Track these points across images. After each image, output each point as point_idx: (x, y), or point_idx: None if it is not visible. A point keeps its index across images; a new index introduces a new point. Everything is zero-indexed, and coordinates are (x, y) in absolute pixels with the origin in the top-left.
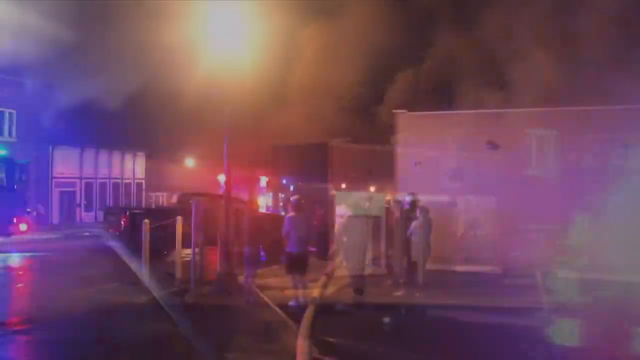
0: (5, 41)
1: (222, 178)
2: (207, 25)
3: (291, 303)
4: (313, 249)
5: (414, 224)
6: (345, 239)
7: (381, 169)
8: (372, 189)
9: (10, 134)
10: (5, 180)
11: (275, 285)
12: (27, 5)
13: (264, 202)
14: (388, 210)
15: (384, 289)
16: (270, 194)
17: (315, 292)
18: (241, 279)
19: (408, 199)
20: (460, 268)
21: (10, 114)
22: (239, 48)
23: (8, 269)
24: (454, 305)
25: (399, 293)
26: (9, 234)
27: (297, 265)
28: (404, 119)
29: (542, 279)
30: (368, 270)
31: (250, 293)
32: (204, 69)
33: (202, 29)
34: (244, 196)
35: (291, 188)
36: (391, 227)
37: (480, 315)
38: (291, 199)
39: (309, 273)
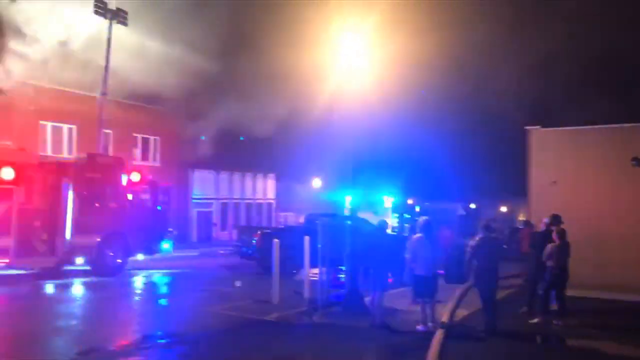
0: (150, 72)
1: (347, 199)
2: (333, 49)
3: (419, 327)
4: (441, 272)
5: (549, 247)
6: (475, 261)
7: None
8: (503, 209)
9: (154, 159)
10: (150, 202)
11: (402, 307)
12: (171, 38)
13: (389, 223)
14: (521, 232)
15: (519, 315)
16: (396, 214)
17: (444, 316)
18: (368, 300)
19: (546, 220)
20: (605, 295)
21: (155, 140)
22: (363, 70)
23: (153, 285)
24: (594, 335)
25: (535, 320)
26: (154, 252)
27: (425, 287)
28: (538, 135)
29: None
30: (499, 295)
31: (376, 315)
32: (330, 91)
33: (328, 53)
34: (370, 217)
35: (417, 209)
36: (525, 251)
37: (622, 347)
38: (419, 219)
39: (437, 296)
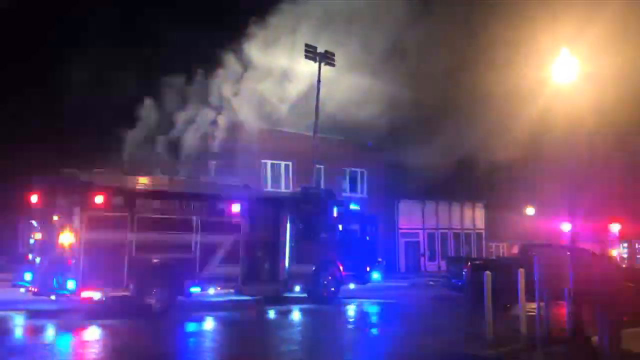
0: (357, 108)
1: (566, 227)
2: (546, 69)
3: None
4: None
5: None
6: None
7: None
8: None
9: (362, 191)
10: (358, 232)
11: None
12: (377, 72)
13: (616, 253)
14: None
15: None
16: (625, 243)
17: None
18: (595, 340)
19: None
20: None
21: (361, 172)
22: (576, 88)
23: (365, 314)
24: None
25: None
26: (364, 282)
27: None
28: None
29: None
30: None
31: (608, 357)
32: (540, 113)
33: (541, 74)
34: (594, 247)
35: None
36: None
37: None
38: None
39: None
